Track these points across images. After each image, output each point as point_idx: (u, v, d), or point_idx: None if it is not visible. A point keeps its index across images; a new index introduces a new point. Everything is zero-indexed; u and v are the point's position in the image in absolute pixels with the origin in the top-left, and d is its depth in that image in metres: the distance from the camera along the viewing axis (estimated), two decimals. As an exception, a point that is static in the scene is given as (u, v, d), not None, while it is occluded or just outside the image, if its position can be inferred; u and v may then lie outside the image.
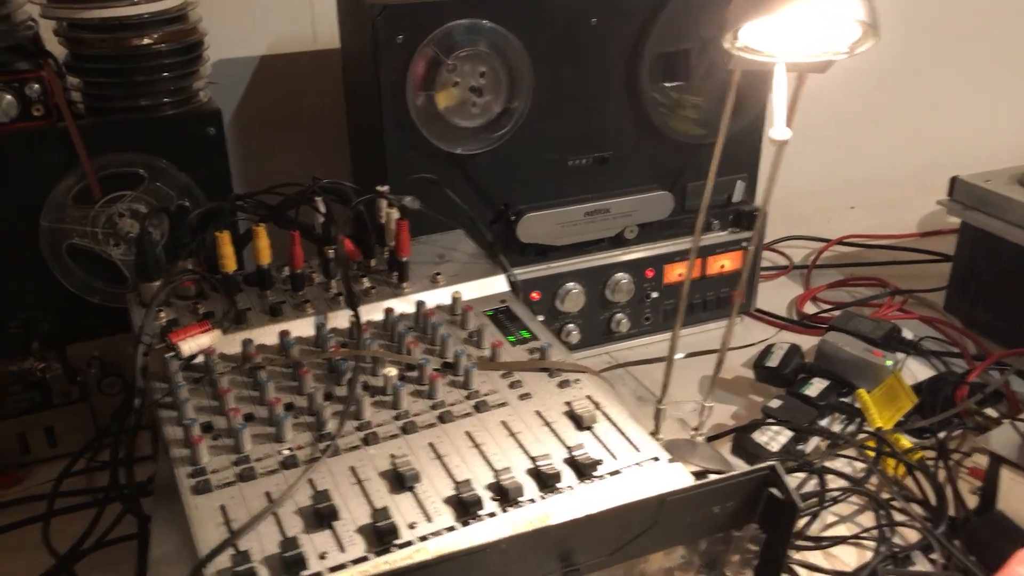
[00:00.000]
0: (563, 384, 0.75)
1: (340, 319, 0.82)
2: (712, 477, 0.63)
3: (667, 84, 1.10)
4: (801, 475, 0.92)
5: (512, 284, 0.89)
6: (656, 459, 0.67)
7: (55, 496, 0.91)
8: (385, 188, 0.90)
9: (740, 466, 0.94)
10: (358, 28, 1.05)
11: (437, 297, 0.86)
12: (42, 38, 0.96)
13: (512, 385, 0.75)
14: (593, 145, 1.12)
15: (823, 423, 0.99)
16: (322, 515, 0.61)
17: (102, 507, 0.84)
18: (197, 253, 0.84)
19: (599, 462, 0.66)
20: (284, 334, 0.78)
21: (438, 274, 0.88)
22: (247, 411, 0.70)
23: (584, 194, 1.14)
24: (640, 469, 0.67)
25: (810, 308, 1.33)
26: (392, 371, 0.73)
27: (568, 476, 0.65)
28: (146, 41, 0.94)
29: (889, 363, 1.03)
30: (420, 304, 0.83)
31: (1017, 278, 1.18)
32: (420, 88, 1.00)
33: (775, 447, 0.94)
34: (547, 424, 0.71)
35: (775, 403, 1.01)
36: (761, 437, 0.95)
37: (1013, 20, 1.74)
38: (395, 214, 0.85)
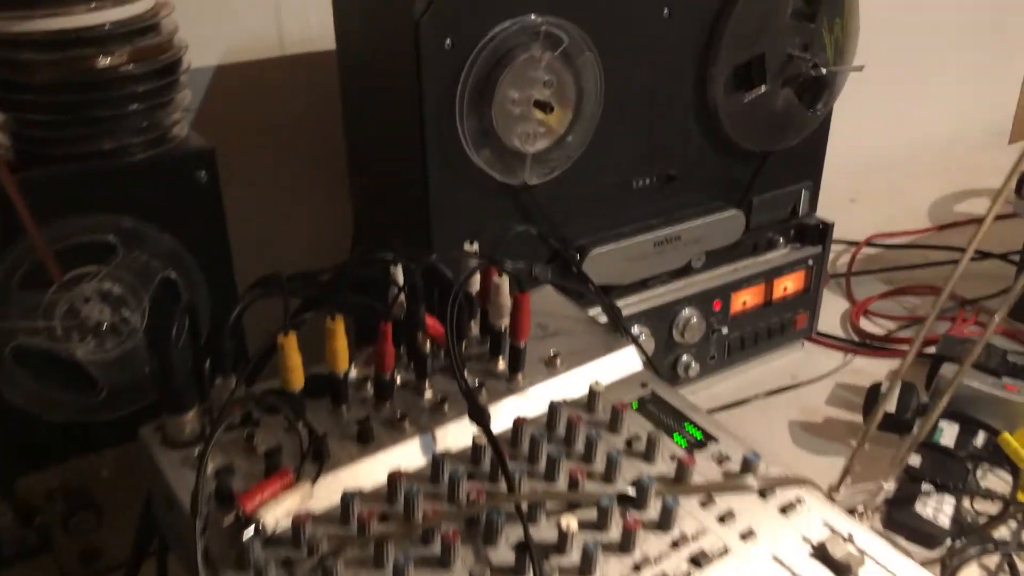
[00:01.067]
0: (785, 509, 0.56)
1: (453, 436, 0.60)
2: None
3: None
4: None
5: (648, 359, 0.69)
6: (965, 616, 0.50)
7: None
8: (473, 247, 0.68)
9: (914, 551, 0.78)
10: (383, 31, 0.81)
11: (562, 389, 0.65)
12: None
13: (722, 519, 0.55)
14: (660, 161, 0.93)
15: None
16: None
17: None
18: (230, 362, 0.60)
19: (899, 633, 0.48)
20: (395, 477, 0.55)
21: (555, 355, 0.67)
22: (384, 611, 0.48)
23: (649, 219, 0.95)
24: (954, 636, 0.49)
25: (865, 324, 1.19)
26: (572, 521, 0.52)
27: (871, 662, 0.47)
28: (111, 61, 0.68)
29: (1028, 398, 0.90)
30: (556, 408, 0.61)
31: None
32: (475, 106, 0.78)
33: (944, 520, 0.79)
34: (796, 576, 0.52)
35: (915, 460, 0.86)
36: (924, 509, 0.80)
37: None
38: (505, 284, 0.63)
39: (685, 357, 1.02)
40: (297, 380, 0.57)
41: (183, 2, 0.92)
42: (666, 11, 0.86)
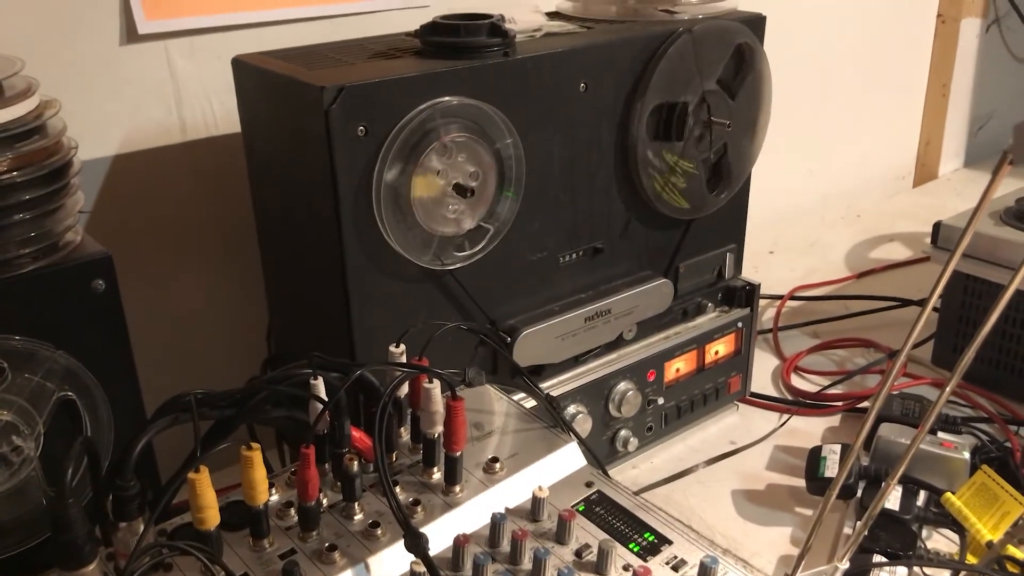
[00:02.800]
0: (748, 616, 0.53)
1: (390, 563, 0.55)
2: None
3: (661, 144, 0.91)
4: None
5: (592, 453, 0.66)
6: None
7: None
8: (399, 350, 0.64)
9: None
10: (292, 117, 0.77)
11: (503, 496, 0.61)
12: None
13: (684, 633, 0.52)
14: (585, 235, 0.91)
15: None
16: None
17: None
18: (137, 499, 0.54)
19: None
20: (330, 622, 0.50)
21: (494, 460, 0.63)
22: None
23: (578, 294, 0.93)
24: None
25: (796, 381, 1.19)
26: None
27: None
28: (-10, 169, 0.62)
29: (966, 455, 0.89)
30: (498, 522, 0.57)
31: (1018, 324, 1.10)
32: (393, 191, 0.74)
33: (899, 593, 0.77)
34: None
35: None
36: (879, 583, 0.78)
37: (876, 53, 1.72)
38: (436, 390, 0.59)
39: (623, 432, 0.99)
40: (211, 519, 0.52)
41: (75, 91, 0.88)
42: (583, 85, 0.84)
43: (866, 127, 1.76)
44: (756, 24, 0.95)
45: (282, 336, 0.93)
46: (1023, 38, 1.95)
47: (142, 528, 0.52)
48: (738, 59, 0.94)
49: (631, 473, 1.02)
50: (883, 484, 0.76)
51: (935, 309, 1.21)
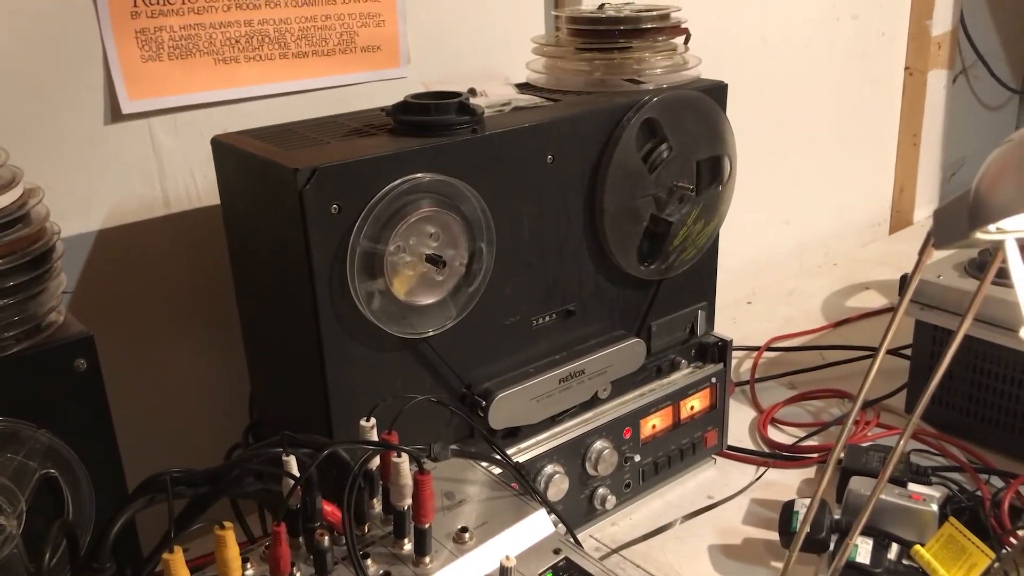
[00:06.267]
0: None
1: (360, 639, 0.57)
2: None
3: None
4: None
5: (561, 519, 0.67)
6: None
7: None
8: (370, 424, 0.66)
9: None
10: (269, 196, 0.80)
11: (472, 567, 0.63)
12: None
13: None
14: (557, 298, 0.94)
15: (888, 595, 0.85)
16: None
17: None
18: None
19: None
20: None
21: (463, 529, 0.64)
22: None
23: (552, 355, 0.95)
24: None
25: (773, 433, 1.21)
26: None
27: None
28: (-25, 258, 0.64)
29: (934, 507, 0.91)
30: (467, 591, 0.59)
31: (986, 374, 1.13)
32: (368, 267, 0.77)
33: (869, 649, 0.78)
34: None
35: (834, 583, 0.86)
36: (850, 640, 0.79)
37: (847, 106, 1.77)
38: (405, 464, 0.61)
39: (601, 490, 1.00)
40: (186, 599, 0.53)
41: (60, 170, 0.91)
42: (550, 157, 0.88)
43: (841, 177, 1.80)
44: (718, 92, 0.99)
45: (263, 403, 0.96)
46: (990, 86, 2.01)
47: (118, 609, 0.53)
48: (705, 125, 0.97)
49: (610, 530, 1.03)
50: (846, 537, 0.78)
51: (907, 358, 1.24)
